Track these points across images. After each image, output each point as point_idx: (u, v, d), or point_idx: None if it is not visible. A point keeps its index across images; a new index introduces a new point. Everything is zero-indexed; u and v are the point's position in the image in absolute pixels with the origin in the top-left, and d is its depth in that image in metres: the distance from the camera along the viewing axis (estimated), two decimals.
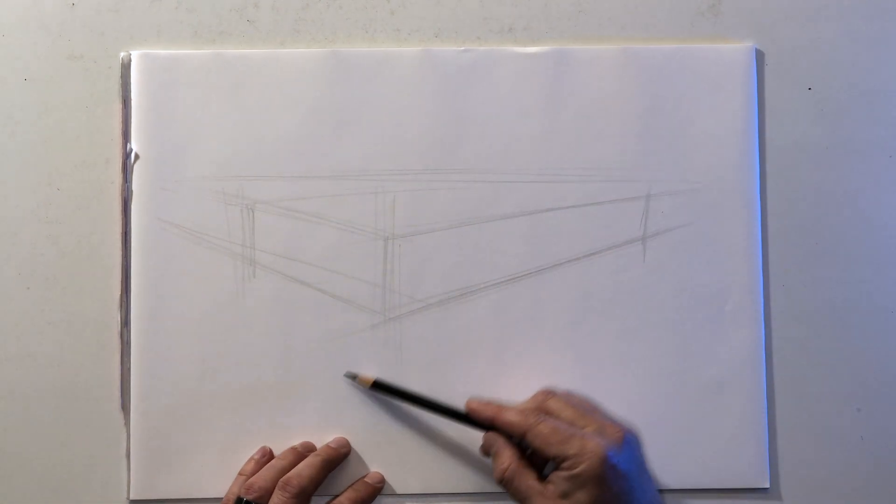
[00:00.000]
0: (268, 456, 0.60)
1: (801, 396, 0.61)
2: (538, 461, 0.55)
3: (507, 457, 0.54)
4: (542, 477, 0.54)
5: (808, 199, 0.62)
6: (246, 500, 0.56)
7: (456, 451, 0.61)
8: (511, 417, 0.55)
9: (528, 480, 0.53)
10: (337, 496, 0.60)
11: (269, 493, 0.56)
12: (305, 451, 0.59)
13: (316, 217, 0.61)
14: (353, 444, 0.61)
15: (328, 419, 0.61)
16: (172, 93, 0.61)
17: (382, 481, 0.60)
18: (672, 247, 0.61)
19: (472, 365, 0.61)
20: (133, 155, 0.61)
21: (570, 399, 0.57)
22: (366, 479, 0.60)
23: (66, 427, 0.61)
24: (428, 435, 0.61)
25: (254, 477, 0.57)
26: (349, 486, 0.60)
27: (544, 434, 0.53)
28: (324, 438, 0.60)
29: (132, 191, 0.61)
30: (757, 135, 0.62)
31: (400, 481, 0.61)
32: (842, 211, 0.62)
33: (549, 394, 0.57)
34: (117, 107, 0.61)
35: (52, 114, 0.61)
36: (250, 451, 0.60)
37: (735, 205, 0.61)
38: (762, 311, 0.61)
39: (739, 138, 0.61)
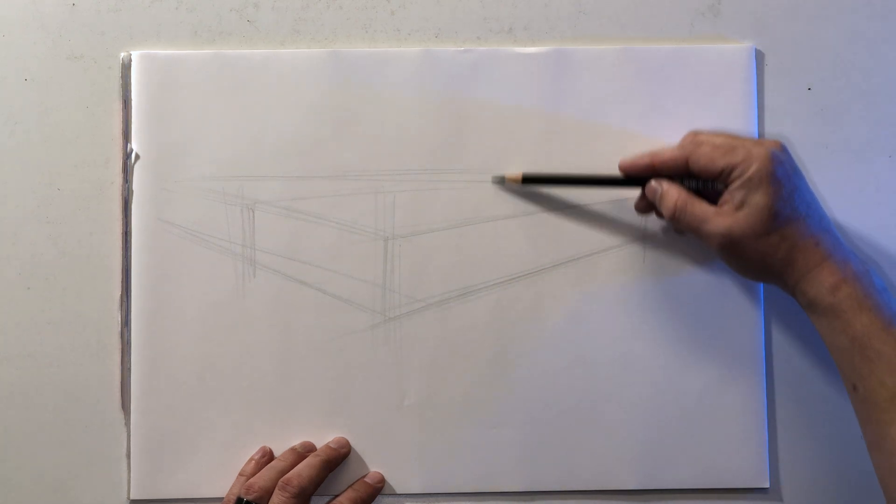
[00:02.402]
0: (268, 456, 0.60)
1: (801, 396, 0.61)
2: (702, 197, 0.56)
3: (673, 192, 0.56)
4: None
5: None
6: (246, 501, 0.56)
7: (456, 451, 0.61)
8: (669, 153, 0.56)
9: (701, 205, 0.55)
10: (337, 496, 0.60)
11: (269, 493, 0.56)
12: (305, 451, 0.59)
13: (316, 217, 0.61)
14: (353, 444, 0.61)
15: (328, 419, 0.61)
16: (172, 93, 0.61)
17: (382, 481, 0.60)
18: (672, 247, 0.61)
19: (472, 365, 0.61)
20: (133, 155, 0.61)
21: (717, 131, 0.57)
22: (366, 479, 0.60)
23: (66, 427, 0.61)
24: (428, 435, 0.61)
25: (254, 477, 0.57)
26: (349, 486, 0.60)
27: (707, 152, 0.54)
28: (324, 438, 0.60)
29: (132, 191, 0.61)
30: (757, 135, 0.62)
31: (400, 481, 0.61)
32: (842, 211, 0.62)
33: (696, 131, 0.57)
34: (117, 107, 0.61)
35: (52, 114, 0.61)
36: (250, 451, 0.60)
37: None
38: (762, 312, 0.61)
39: None
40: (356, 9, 0.62)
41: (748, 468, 0.60)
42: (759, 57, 0.62)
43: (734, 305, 0.61)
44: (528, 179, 0.60)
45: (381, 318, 0.61)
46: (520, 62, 0.61)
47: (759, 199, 0.52)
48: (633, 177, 0.58)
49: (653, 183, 0.57)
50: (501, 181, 0.61)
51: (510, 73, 0.61)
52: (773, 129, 0.62)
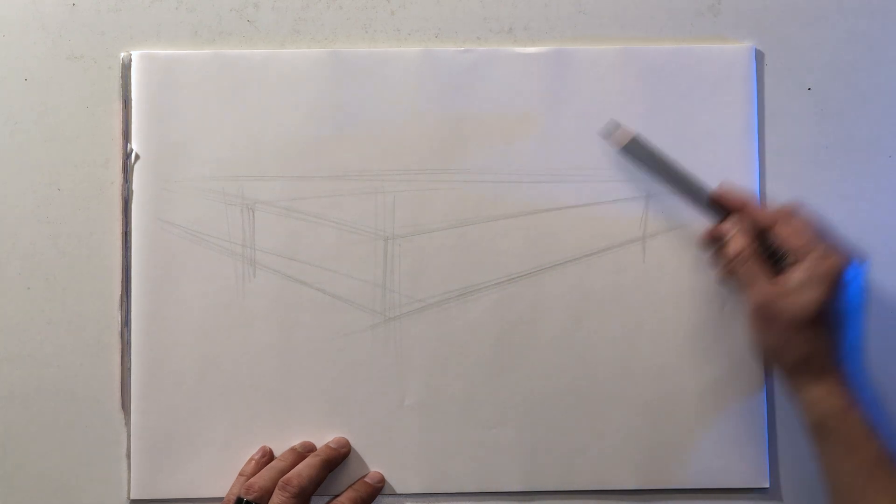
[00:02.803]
0: (268, 456, 0.60)
1: None
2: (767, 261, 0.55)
3: (745, 240, 0.55)
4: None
5: (808, 199, 0.62)
6: (246, 501, 0.56)
7: (456, 451, 0.61)
8: (762, 208, 0.57)
9: (760, 267, 0.55)
10: (337, 496, 0.60)
11: (269, 493, 0.56)
12: (305, 451, 0.59)
13: (316, 217, 0.61)
14: (353, 444, 0.61)
15: (328, 419, 0.61)
16: (172, 93, 0.61)
17: (382, 481, 0.60)
18: (672, 247, 0.61)
19: (472, 365, 0.61)
20: (133, 155, 0.61)
21: (818, 220, 0.57)
22: (366, 479, 0.60)
23: (66, 427, 0.61)
24: (428, 435, 0.61)
25: (254, 477, 0.57)
26: (349, 486, 0.60)
27: (796, 227, 0.54)
28: (324, 438, 0.60)
29: (132, 191, 0.61)
30: (757, 135, 0.62)
31: (400, 481, 0.61)
32: (842, 211, 0.62)
33: (797, 205, 0.57)
34: (117, 107, 0.61)
35: (52, 114, 0.61)
36: (250, 451, 0.60)
37: None
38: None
39: (739, 138, 0.61)
40: (356, 9, 0.62)
41: (748, 468, 0.60)
42: (759, 57, 0.62)
43: (734, 305, 0.61)
44: (630, 148, 0.59)
45: (381, 318, 0.61)
46: (520, 62, 0.61)
47: (813, 293, 0.52)
48: (720, 205, 0.58)
49: (729, 224, 0.57)
50: (610, 133, 0.60)
51: (510, 73, 0.61)
52: (773, 129, 0.62)
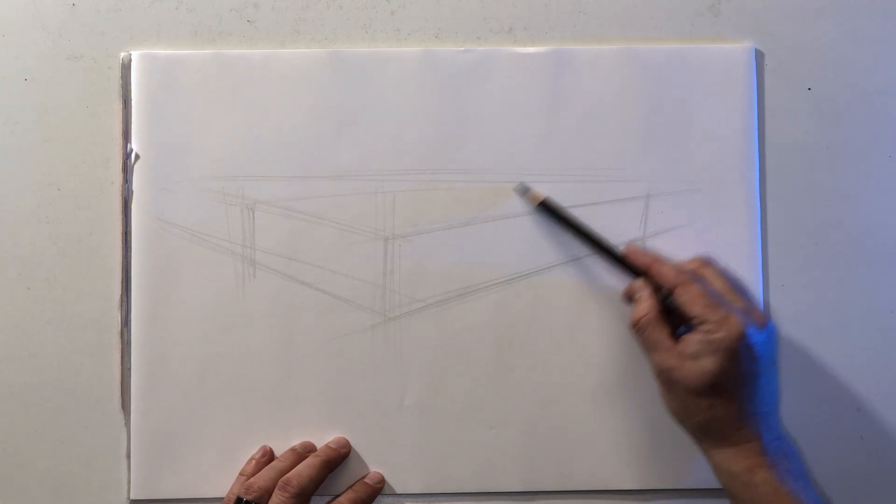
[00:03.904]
0: (269, 455, 0.60)
1: (801, 396, 0.61)
2: (673, 323, 0.55)
3: (649, 305, 0.55)
4: (674, 337, 0.55)
5: (808, 199, 0.62)
6: (245, 501, 0.56)
7: (456, 451, 0.61)
8: (666, 270, 0.56)
9: (662, 333, 0.54)
10: (337, 496, 0.60)
11: (268, 493, 0.56)
12: (305, 451, 0.59)
13: (316, 217, 0.61)
14: (353, 444, 0.61)
15: (328, 419, 0.61)
16: (172, 93, 0.61)
17: (382, 481, 0.60)
18: (672, 247, 0.61)
19: (472, 365, 0.61)
20: (133, 155, 0.61)
21: (724, 273, 0.57)
22: (366, 480, 0.60)
23: (66, 427, 0.61)
24: (428, 435, 0.61)
25: (254, 477, 0.57)
26: (349, 487, 0.60)
27: (693, 293, 0.53)
28: (324, 438, 0.60)
29: (132, 191, 0.61)
30: (757, 135, 0.62)
31: (400, 481, 0.61)
32: (842, 211, 0.62)
33: (706, 262, 0.57)
34: (117, 107, 0.61)
35: (52, 114, 0.61)
36: (251, 451, 0.60)
37: (735, 205, 0.61)
38: (762, 311, 0.61)
39: (739, 138, 0.61)
40: (356, 9, 0.62)
41: None
42: (759, 57, 0.62)
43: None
44: (545, 206, 0.60)
45: (381, 318, 0.61)
46: (520, 62, 0.61)
47: (708, 363, 0.52)
48: (630, 265, 0.58)
49: (637, 284, 0.57)
50: (525, 191, 0.60)
51: (510, 73, 0.61)
52: (773, 129, 0.62)
